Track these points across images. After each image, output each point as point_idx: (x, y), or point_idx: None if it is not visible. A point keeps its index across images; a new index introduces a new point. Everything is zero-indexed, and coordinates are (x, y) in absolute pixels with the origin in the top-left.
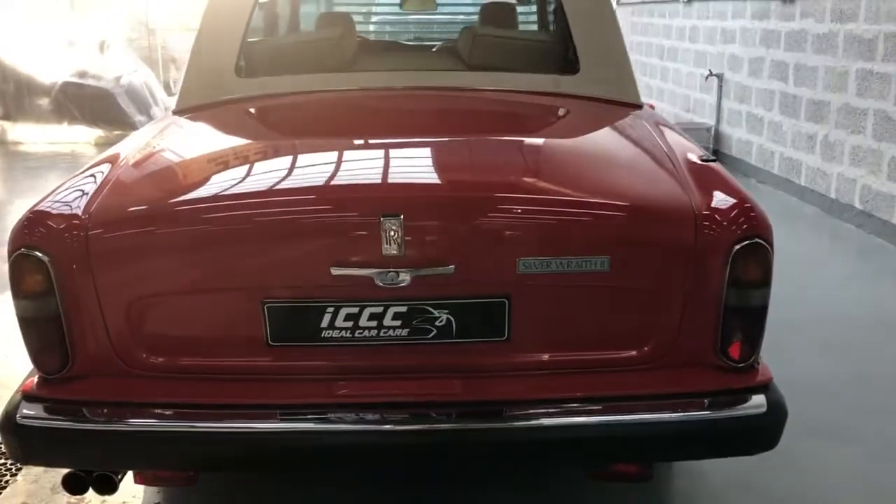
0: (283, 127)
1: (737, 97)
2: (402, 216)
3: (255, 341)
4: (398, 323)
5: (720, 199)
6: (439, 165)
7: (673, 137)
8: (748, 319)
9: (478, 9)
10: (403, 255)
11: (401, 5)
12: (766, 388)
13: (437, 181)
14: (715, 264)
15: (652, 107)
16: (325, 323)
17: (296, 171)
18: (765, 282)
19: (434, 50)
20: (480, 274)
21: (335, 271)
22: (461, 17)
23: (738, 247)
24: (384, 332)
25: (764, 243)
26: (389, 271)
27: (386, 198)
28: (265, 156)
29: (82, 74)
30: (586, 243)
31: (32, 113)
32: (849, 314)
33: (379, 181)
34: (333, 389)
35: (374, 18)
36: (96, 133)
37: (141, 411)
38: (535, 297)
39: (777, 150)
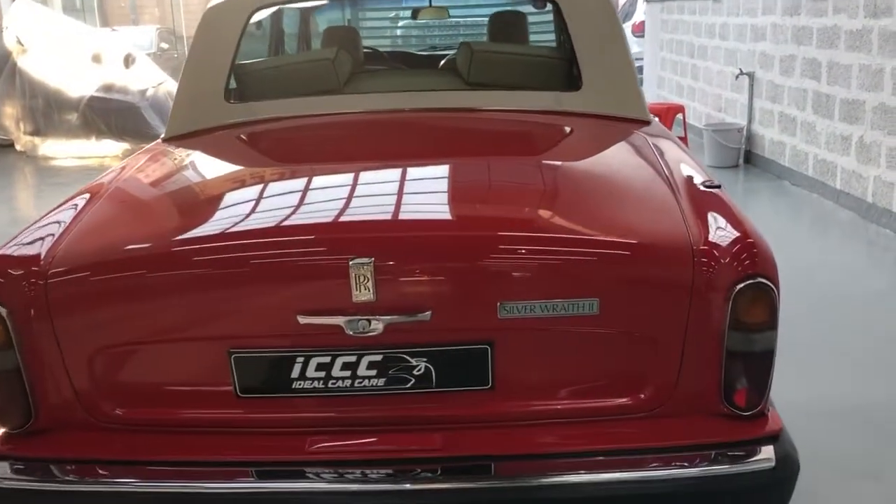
0: (263, 157)
1: (769, 96)
2: (373, 259)
3: (224, 393)
4: (373, 372)
5: (721, 234)
6: (417, 200)
7: (676, 159)
8: (753, 365)
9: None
10: (375, 301)
11: (413, 17)
12: (775, 438)
13: (412, 218)
14: (714, 305)
15: (682, 109)
16: (295, 373)
17: (265, 210)
18: (770, 325)
19: (441, 64)
20: (460, 319)
21: (302, 319)
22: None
23: (739, 286)
24: (359, 383)
25: (767, 283)
26: (360, 319)
27: (355, 239)
28: (236, 192)
29: (108, 88)
30: (572, 284)
31: (61, 128)
32: (888, 332)
33: (350, 220)
34: (307, 445)
35: (400, 23)
36: (123, 146)
37: (108, 469)
38: (520, 343)
39: (811, 151)
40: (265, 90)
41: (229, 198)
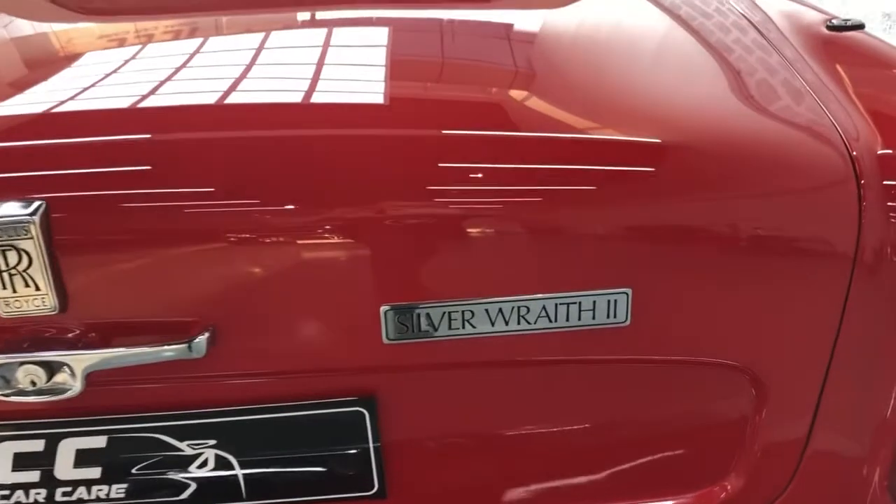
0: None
1: None
2: (41, 205)
3: None
4: (95, 474)
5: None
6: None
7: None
8: None
9: None
10: (60, 315)
11: None
12: None
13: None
14: None
15: None
16: None
17: None
18: None
19: None
20: (284, 351)
21: None
22: None
23: None
24: (66, 496)
25: None
26: (22, 361)
27: None
28: None
29: None
30: (566, 255)
31: None
32: None
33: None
34: None
35: None
36: None
37: None
38: (441, 394)
39: None
40: None
41: None
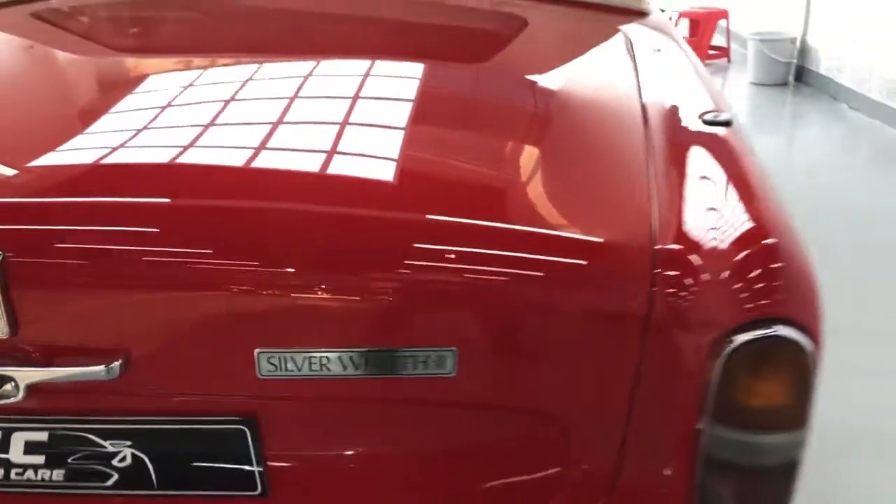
0: None
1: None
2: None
3: None
4: (40, 460)
5: (716, 222)
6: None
7: (670, 72)
8: (756, 487)
9: None
10: (9, 339)
11: None
12: None
13: (78, 181)
14: (687, 370)
15: (725, 14)
16: None
17: None
18: (795, 416)
19: None
20: (183, 376)
21: None
22: None
23: (737, 338)
24: (18, 475)
25: (797, 336)
26: None
27: None
28: None
29: None
30: (401, 319)
31: None
32: None
33: None
34: None
35: None
36: None
37: None
38: (307, 420)
39: (877, 68)
40: None
41: None
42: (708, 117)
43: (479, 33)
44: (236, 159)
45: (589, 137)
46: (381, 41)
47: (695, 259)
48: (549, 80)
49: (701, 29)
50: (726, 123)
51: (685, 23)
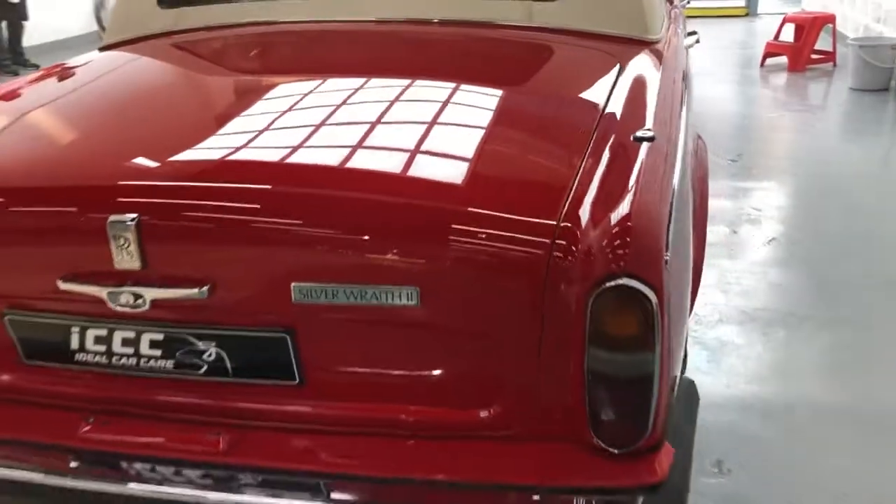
0: (143, 84)
1: None
2: (136, 218)
3: (10, 358)
4: (158, 352)
5: (600, 208)
6: (226, 146)
7: (634, 98)
8: (621, 392)
9: None
10: (141, 270)
11: None
12: (652, 489)
13: (189, 170)
14: (572, 309)
15: (832, 18)
16: (75, 343)
17: (76, 150)
18: (643, 343)
19: None
20: (246, 300)
21: (62, 285)
22: None
23: (599, 287)
24: (144, 362)
25: (639, 285)
26: (123, 291)
27: (115, 192)
28: (79, 127)
29: None
30: (383, 267)
31: None
32: None
33: (121, 169)
34: (79, 428)
35: None
36: None
37: None
38: (328, 333)
39: None
40: None
41: (68, 134)
42: (638, 134)
43: (505, 59)
44: (297, 156)
45: (545, 137)
46: (405, 65)
47: (580, 233)
48: (535, 94)
49: (805, 33)
50: (650, 139)
51: (790, 28)
